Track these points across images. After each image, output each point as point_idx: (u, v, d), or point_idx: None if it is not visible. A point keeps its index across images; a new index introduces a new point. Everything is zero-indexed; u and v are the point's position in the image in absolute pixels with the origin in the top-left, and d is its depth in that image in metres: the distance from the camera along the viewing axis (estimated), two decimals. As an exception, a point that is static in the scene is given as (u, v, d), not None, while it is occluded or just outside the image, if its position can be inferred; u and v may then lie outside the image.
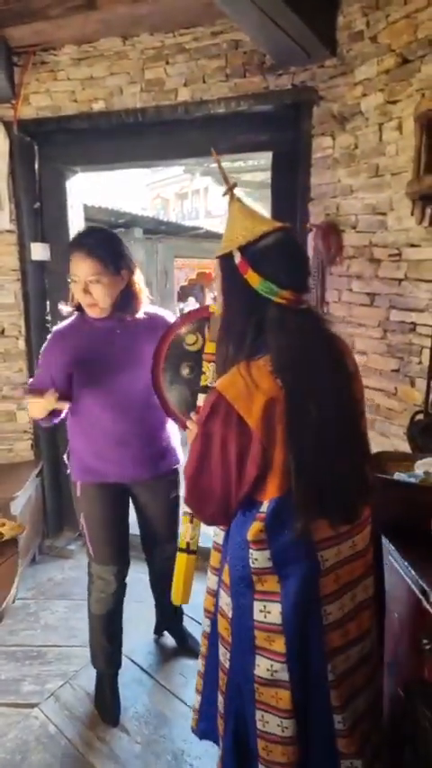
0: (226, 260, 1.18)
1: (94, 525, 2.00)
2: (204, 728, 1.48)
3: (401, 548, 1.47)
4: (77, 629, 2.57)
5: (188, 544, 1.63)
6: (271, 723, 1.20)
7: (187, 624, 2.47)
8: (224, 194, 1.27)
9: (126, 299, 1.84)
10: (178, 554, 1.65)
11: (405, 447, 2.00)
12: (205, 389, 1.56)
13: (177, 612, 2.41)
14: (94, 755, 1.93)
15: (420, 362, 2.04)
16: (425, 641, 1.27)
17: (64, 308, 1.95)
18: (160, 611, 2.45)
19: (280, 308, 1.13)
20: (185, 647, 2.40)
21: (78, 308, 1.89)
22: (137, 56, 2.65)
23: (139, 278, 1.88)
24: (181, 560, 1.65)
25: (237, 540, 1.21)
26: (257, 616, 1.19)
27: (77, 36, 2.68)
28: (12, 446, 3.20)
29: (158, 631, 2.50)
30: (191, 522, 1.62)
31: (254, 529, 1.16)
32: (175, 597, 1.66)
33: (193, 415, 1.51)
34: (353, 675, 1.23)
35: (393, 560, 1.48)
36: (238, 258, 1.15)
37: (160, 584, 2.30)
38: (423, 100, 1.89)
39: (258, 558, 1.17)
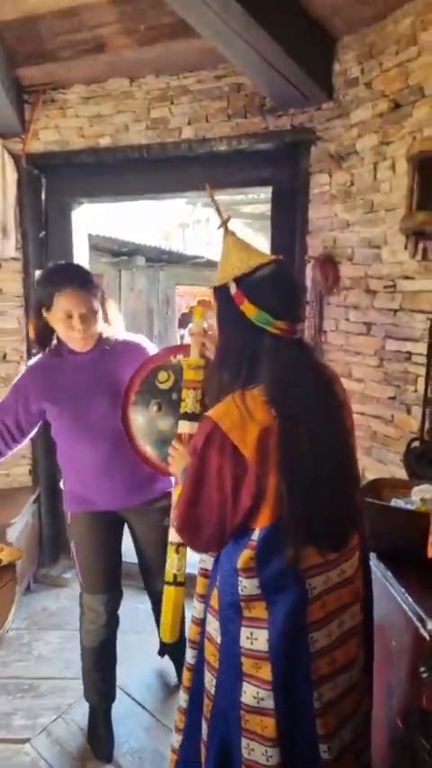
0: (222, 291, 1.21)
1: (84, 553, 1.99)
2: None
3: (398, 574, 1.48)
4: (72, 661, 2.52)
5: (175, 576, 1.57)
6: (256, 751, 1.18)
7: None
8: (218, 228, 1.30)
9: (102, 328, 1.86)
10: (165, 587, 1.59)
11: (402, 474, 2.02)
12: (185, 416, 1.54)
13: (181, 637, 2.38)
14: (87, 792, 1.89)
15: (416, 390, 2.08)
16: (422, 669, 1.26)
17: (42, 355, 1.91)
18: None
19: (275, 338, 1.15)
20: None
21: (43, 344, 1.87)
22: (143, 96, 2.77)
23: (112, 306, 1.90)
24: (168, 594, 1.58)
25: (227, 567, 1.21)
26: (244, 643, 1.19)
27: (86, 76, 2.80)
28: (9, 471, 3.19)
29: (162, 653, 2.44)
30: (176, 552, 1.56)
31: (244, 557, 1.16)
32: (164, 633, 1.61)
33: (175, 443, 1.50)
34: (340, 704, 1.21)
35: (390, 587, 1.48)
36: (233, 289, 1.17)
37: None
38: (414, 142, 1.98)
39: (247, 586, 1.17)
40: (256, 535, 1.15)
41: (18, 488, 3.18)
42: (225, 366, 1.21)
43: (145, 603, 2.36)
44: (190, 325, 1.72)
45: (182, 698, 1.41)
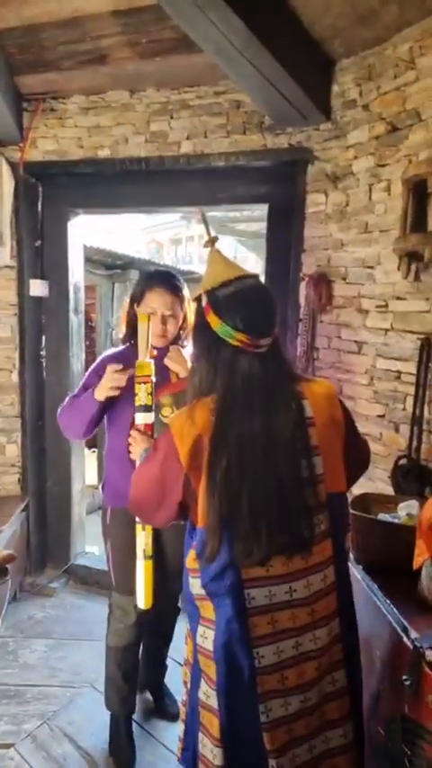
0: (198, 302, 1.29)
1: (120, 554, 1.99)
2: (188, 757, 1.47)
3: (384, 586, 1.52)
4: (57, 669, 2.53)
5: (144, 551, 1.75)
6: (207, 747, 1.24)
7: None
8: (204, 246, 1.37)
9: (179, 333, 2.00)
10: (142, 561, 1.76)
11: (389, 490, 2.06)
12: (139, 408, 1.69)
13: (162, 667, 2.37)
14: (70, 799, 1.89)
15: (404, 409, 2.12)
16: (405, 677, 1.29)
17: (120, 347, 2.05)
18: (148, 664, 2.35)
19: (235, 350, 1.21)
20: (161, 705, 2.32)
21: (129, 338, 2.01)
22: (143, 109, 2.80)
23: (190, 316, 2.00)
24: (141, 566, 1.76)
25: (185, 566, 1.30)
26: (198, 640, 1.26)
27: (86, 87, 2.83)
28: (-1, 479, 3.19)
29: (142, 689, 2.38)
30: (143, 530, 1.74)
31: (190, 556, 1.25)
32: (145, 601, 1.77)
33: (133, 432, 1.66)
34: (292, 723, 1.22)
35: (375, 598, 1.52)
36: (204, 301, 1.25)
37: (158, 628, 2.25)
38: (410, 165, 2.03)
39: (194, 585, 1.24)
40: (197, 535, 1.22)
41: (7, 497, 3.16)
42: (196, 373, 1.29)
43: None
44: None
45: (182, 691, 1.47)
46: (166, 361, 1.86)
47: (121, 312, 2.07)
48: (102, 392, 1.80)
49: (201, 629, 1.26)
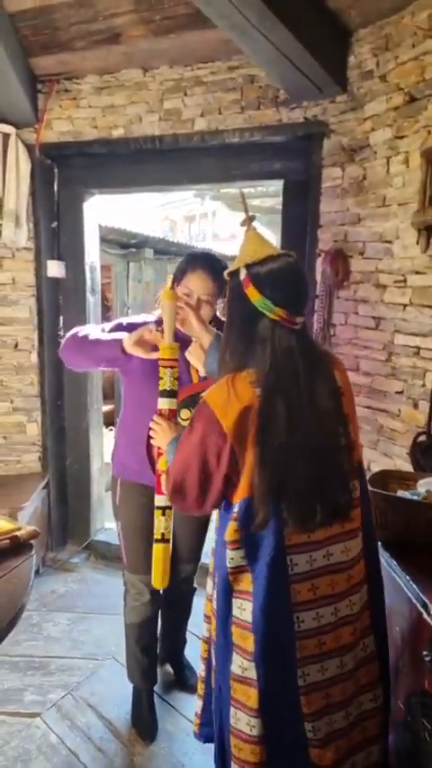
0: (234, 277, 1.29)
1: (130, 534, 2.01)
2: (206, 733, 1.53)
3: (403, 562, 1.52)
4: (80, 642, 2.60)
5: (163, 534, 1.74)
6: (242, 721, 1.26)
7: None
8: (242, 224, 1.37)
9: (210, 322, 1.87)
10: (155, 545, 1.73)
11: (408, 467, 2.06)
12: (164, 393, 1.65)
13: (180, 642, 2.41)
14: (95, 766, 1.94)
15: (424, 385, 2.10)
16: (425, 653, 1.31)
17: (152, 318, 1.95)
18: (167, 639, 2.40)
19: (273, 323, 1.22)
20: (181, 678, 2.38)
21: (159, 322, 1.86)
22: (156, 87, 2.77)
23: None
24: (158, 550, 1.75)
25: (219, 541, 1.31)
26: (235, 612, 1.27)
27: (100, 67, 2.81)
28: (20, 457, 3.25)
29: (162, 662, 2.43)
30: (163, 515, 1.72)
31: (230, 529, 1.24)
32: (155, 582, 1.76)
33: (156, 418, 1.62)
34: (329, 689, 1.25)
35: (396, 575, 1.52)
36: (243, 275, 1.25)
37: (174, 609, 2.31)
38: (429, 136, 1.99)
39: (234, 558, 1.25)
40: (237, 507, 1.23)
41: (28, 474, 3.24)
42: (229, 347, 1.29)
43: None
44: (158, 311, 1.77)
45: (200, 667, 1.52)
46: (187, 355, 1.75)
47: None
48: (131, 341, 1.70)
49: (237, 601, 1.27)
